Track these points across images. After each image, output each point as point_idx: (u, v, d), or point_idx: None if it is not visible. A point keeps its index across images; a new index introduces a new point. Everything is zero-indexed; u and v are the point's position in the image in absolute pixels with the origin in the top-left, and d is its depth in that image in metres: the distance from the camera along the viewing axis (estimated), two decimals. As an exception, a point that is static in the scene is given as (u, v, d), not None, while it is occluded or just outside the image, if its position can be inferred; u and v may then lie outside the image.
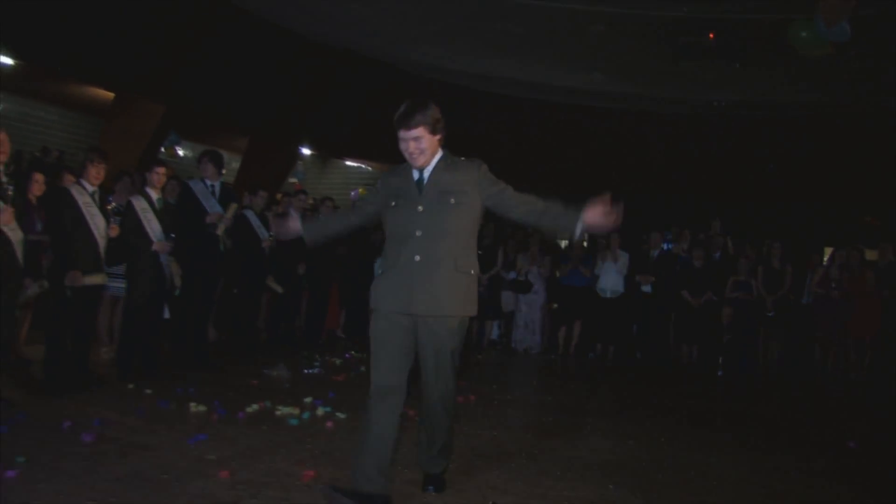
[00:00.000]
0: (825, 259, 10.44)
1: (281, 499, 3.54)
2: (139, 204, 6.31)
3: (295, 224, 3.86)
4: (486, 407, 6.10)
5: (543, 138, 15.52)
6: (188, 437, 4.46)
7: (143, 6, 11.75)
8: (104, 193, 6.30)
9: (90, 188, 5.86)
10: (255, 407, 5.42)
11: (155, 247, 6.28)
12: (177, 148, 14.88)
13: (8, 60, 12.14)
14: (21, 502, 3.28)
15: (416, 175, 3.54)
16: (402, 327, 3.45)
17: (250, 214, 8.09)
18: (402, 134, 3.44)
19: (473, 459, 4.43)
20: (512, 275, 10.07)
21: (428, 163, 3.51)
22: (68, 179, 6.49)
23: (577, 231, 3.39)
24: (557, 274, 10.23)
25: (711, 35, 9.88)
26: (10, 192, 5.13)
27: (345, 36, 12.30)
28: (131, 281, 6.36)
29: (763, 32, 9.51)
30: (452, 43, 11.77)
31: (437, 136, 3.50)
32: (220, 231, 6.83)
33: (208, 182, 6.95)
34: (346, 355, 8.31)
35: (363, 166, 19.57)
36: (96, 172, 5.85)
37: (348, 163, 19.54)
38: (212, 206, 6.85)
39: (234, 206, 7.04)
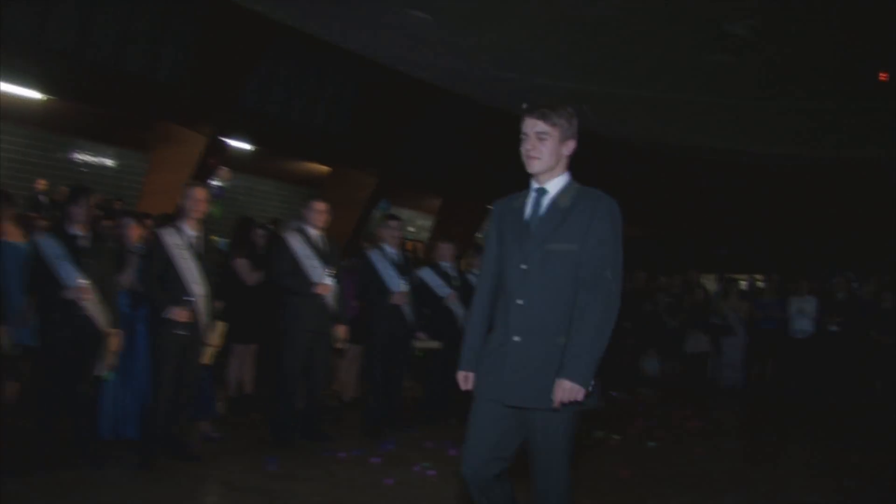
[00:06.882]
0: None
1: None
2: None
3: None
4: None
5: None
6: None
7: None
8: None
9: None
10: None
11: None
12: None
13: (247, 146, 14.54)
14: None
15: (528, 208, 2.85)
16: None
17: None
18: (526, 126, 2.80)
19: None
20: (713, 318, 10.89)
21: (544, 174, 2.84)
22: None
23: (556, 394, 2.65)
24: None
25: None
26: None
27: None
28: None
29: None
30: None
31: (566, 144, 2.83)
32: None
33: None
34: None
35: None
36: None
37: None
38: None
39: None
